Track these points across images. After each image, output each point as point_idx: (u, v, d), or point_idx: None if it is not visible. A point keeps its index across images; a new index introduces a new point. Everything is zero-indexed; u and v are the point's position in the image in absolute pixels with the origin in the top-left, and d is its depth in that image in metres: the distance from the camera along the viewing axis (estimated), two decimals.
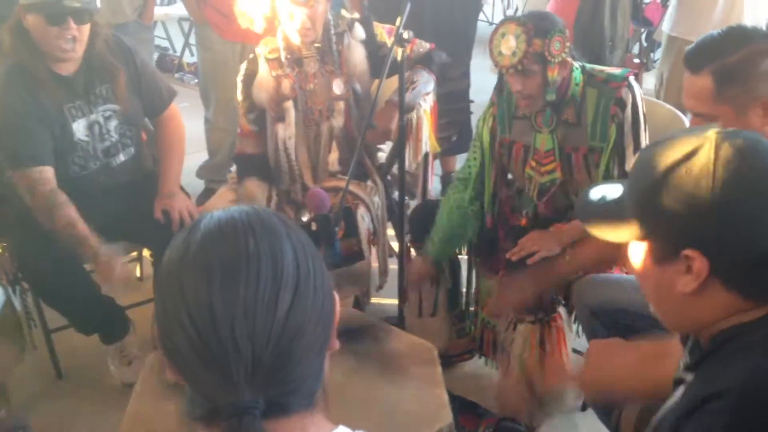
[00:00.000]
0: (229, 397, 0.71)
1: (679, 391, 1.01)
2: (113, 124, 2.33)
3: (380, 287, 2.53)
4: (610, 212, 1.08)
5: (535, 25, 1.87)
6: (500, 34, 1.91)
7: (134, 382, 1.81)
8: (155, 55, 5.21)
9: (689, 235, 0.94)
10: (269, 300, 0.72)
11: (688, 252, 0.94)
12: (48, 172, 2.19)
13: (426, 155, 2.43)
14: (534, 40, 1.87)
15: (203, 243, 0.76)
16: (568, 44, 1.91)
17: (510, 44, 1.88)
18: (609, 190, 1.10)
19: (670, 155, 0.97)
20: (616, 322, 1.79)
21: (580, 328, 2.11)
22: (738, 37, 1.49)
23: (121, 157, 2.38)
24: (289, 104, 2.36)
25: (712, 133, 0.96)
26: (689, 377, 1.00)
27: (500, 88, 2.14)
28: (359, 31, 2.39)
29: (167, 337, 0.75)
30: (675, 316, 1.05)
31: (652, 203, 0.98)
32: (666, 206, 0.95)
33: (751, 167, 0.92)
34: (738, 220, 0.92)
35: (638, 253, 1.04)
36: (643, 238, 1.02)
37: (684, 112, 2.40)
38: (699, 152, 0.94)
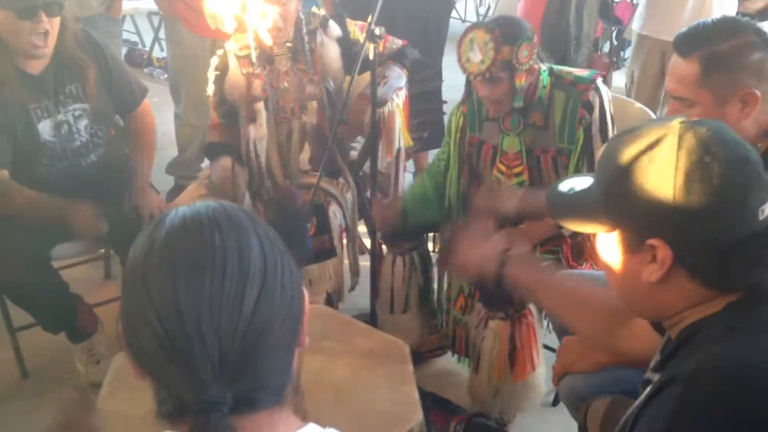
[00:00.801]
0: (196, 393, 0.70)
1: (646, 391, 1.02)
2: (83, 123, 2.29)
3: (352, 288, 2.53)
4: (578, 204, 1.09)
5: (503, 33, 1.87)
6: (468, 41, 1.90)
7: (102, 382, 1.78)
8: (124, 50, 5.15)
9: (653, 225, 0.96)
10: (235, 295, 0.72)
11: (652, 241, 0.96)
12: (1, 175, 2.15)
13: (398, 151, 2.43)
14: (502, 48, 1.86)
15: (168, 239, 0.75)
16: (536, 50, 1.92)
17: (478, 52, 1.88)
18: (578, 183, 1.12)
19: (634, 145, 0.98)
20: None
21: (551, 325, 2.13)
22: (730, 27, 1.52)
23: (92, 158, 2.34)
24: (260, 105, 2.34)
25: (676, 123, 0.97)
26: (655, 377, 1.01)
27: (469, 90, 2.15)
28: (333, 29, 2.37)
29: (133, 334, 0.74)
30: (640, 305, 1.07)
31: (617, 193, 0.99)
32: (630, 196, 0.97)
33: (713, 156, 0.93)
34: (700, 209, 0.93)
35: (605, 243, 1.05)
36: (609, 229, 1.03)
37: (654, 109, 2.43)
38: (662, 142, 0.96)
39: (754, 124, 1.51)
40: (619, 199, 0.99)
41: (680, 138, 0.95)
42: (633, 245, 1.00)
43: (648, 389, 1.00)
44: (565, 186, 1.14)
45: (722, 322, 0.95)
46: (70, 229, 2.19)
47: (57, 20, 2.12)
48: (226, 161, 2.37)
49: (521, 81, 1.92)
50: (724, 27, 1.52)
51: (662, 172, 0.94)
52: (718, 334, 0.94)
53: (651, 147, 0.96)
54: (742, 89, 1.47)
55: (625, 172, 0.98)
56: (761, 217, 0.94)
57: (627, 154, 0.98)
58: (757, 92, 1.47)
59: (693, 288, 0.98)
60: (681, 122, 0.97)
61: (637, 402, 1.02)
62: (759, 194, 0.94)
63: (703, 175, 0.93)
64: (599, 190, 1.04)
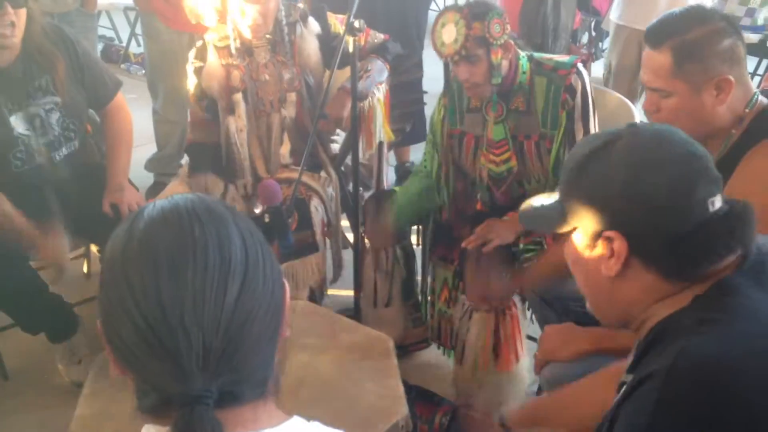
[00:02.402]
0: (181, 386, 0.70)
1: (621, 391, 1.03)
2: (55, 117, 2.25)
3: (335, 280, 2.52)
4: (546, 211, 1.16)
5: (472, 10, 1.90)
6: (440, 25, 1.93)
7: (83, 381, 1.76)
8: (100, 46, 5.09)
9: (608, 218, 1.02)
10: (218, 287, 0.71)
11: (608, 233, 1.01)
12: None
13: (380, 145, 2.43)
14: (473, 24, 1.89)
15: (147, 231, 0.74)
16: (507, 27, 1.93)
17: (450, 32, 1.90)
18: (547, 199, 1.18)
19: (589, 146, 1.05)
20: (568, 308, 1.82)
21: (534, 316, 2.14)
22: (698, 15, 1.53)
23: (64, 151, 2.30)
24: (239, 97, 2.32)
25: (627, 127, 1.06)
26: (629, 378, 1.03)
27: (448, 80, 2.16)
28: (313, 22, 2.36)
29: (113, 329, 0.73)
30: (607, 305, 1.11)
31: (574, 190, 1.06)
32: (585, 192, 1.04)
33: (662, 152, 1.00)
34: (650, 201, 0.99)
35: (570, 246, 1.11)
36: (571, 228, 1.09)
37: (632, 99, 2.44)
38: (615, 142, 1.03)
39: (729, 110, 1.52)
40: (576, 196, 1.06)
41: (630, 138, 1.03)
42: (591, 241, 1.05)
43: (623, 389, 1.02)
44: (537, 201, 1.21)
45: (692, 316, 0.97)
46: (35, 254, 2.17)
47: (23, 12, 2.08)
48: (200, 179, 2.38)
49: (497, 57, 1.94)
50: (693, 16, 1.53)
51: (613, 167, 1.01)
52: (689, 328, 0.96)
53: (604, 146, 1.03)
54: (715, 76, 1.48)
55: (581, 170, 1.05)
56: (711, 209, 0.98)
57: (582, 155, 1.06)
58: (731, 78, 1.48)
59: (652, 280, 1.02)
60: (632, 124, 1.06)
61: (614, 403, 1.03)
62: (707, 187, 0.99)
63: (652, 169, 0.99)
64: (561, 191, 1.11)
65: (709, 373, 0.90)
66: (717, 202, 0.99)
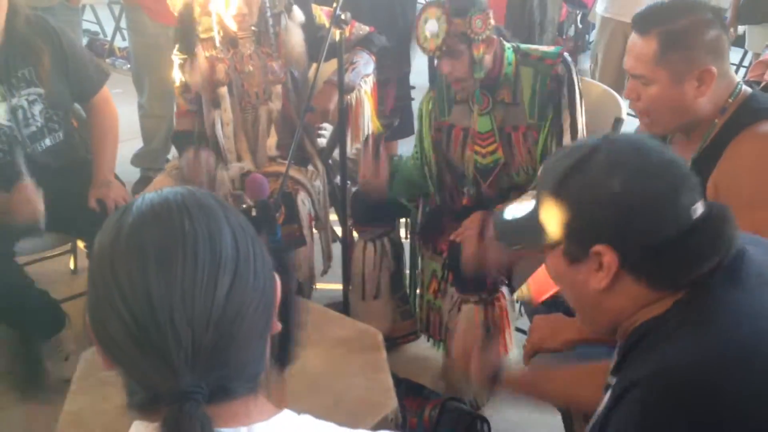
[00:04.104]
0: (170, 383, 0.69)
1: (607, 395, 1.04)
2: (38, 108, 2.23)
3: (325, 272, 2.52)
4: (524, 228, 1.14)
5: (453, 5, 1.90)
6: (423, 20, 1.95)
7: (71, 378, 1.75)
8: (84, 40, 5.04)
9: (595, 232, 1.00)
10: (208, 282, 0.70)
11: (597, 248, 1.00)
12: None
13: (367, 138, 2.42)
14: (454, 20, 1.90)
15: (136, 225, 0.73)
16: (491, 22, 1.93)
17: (432, 28, 1.91)
18: (521, 209, 1.17)
19: (567, 161, 1.04)
20: (556, 300, 1.82)
21: (523, 308, 2.15)
22: (687, 5, 1.54)
23: (47, 142, 2.28)
24: (224, 90, 2.31)
25: (603, 139, 1.05)
26: (614, 381, 1.04)
27: (434, 74, 2.16)
28: (298, 13, 2.35)
29: (101, 325, 0.72)
30: (594, 316, 1.11)
31: (556, 208, 1.04)
32: (569, 208, 1.02)
33: (641, 158, 1.00)
34: (637, 212, 0.98)
35: (554, 260, 1.09)
36: (555, 244, 1.07)
37: (619, 91, 2.45)
38: (593, 155, 1.02)
39: (711, 101, 1.53)
40: (559, 212, 1.04)
41: (609, 148, 1.02)
42: (578, 255, 1.03)
43: (609, 393, 1.03)
44: (509, 213, 1.19)
45: (672, 321, 0.98)
46: (11, 217, 2.10)
47: (3, 2, 2.06)
48: (195, 151, 2.34)
49: (479, 51, 1.94)
50: (681, 5, 1.54)
51: (597, 180, 1.00)
52: (669, 334, 0.97)
53: (582, 161, 1.02)
54: (698, 66, 1.49)
55: (561, 188, 1.03)
56: (695, 216, 0.99)
57: (560, 171, 1.04)
58: (713, 69, 1.49)
59: (640, 290, 1.02)
60: (607, 137, 1.05)
61: (602, 406, 1.04)
62: (689, 194, 0.99)
63: (634, 177, 0.99)
64: (540, 210, 1.09)
65: (690, 379, 0.91)
66: (699, 209, 0.99)
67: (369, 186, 2.20)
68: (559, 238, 1.06)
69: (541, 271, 1.58)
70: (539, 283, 1.60)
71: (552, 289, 1.52)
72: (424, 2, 2.09)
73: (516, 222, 1.17)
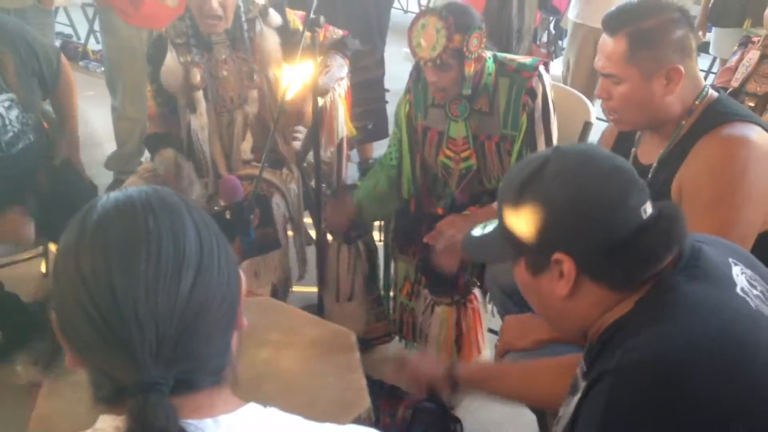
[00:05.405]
0: (134, 375, 0.70)
1: (575, 398, 1.07)
2: (14, 113, 2.21)
3: (301, 277, 2.52)
4: (488, 242, 1.19)
5: (456, 21, 1.89)
6: (420, 26, 1.92)
7: (41, 382, 1.74)
8: (57, 43, 5.00)
9: (552, 241, 1.04)
10: (171, 277, 0.72)
11: (557, 256, 1.03)
12: None
13: (341, 141, 2.43)
14: (454, 36, 1.89)
15: (100, 222, 0.74)
16: (484, 40, 1.94)
17: (429, 38, 1.90)
18: (487, 226, 1.21)
19: (521, 174, 1.08)
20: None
21: (495, 309, 2.17)
22: (654, 5, 1.58)
23: (20, 146, 2.27)
24: (200, 95, 2.31)
25: (552, 151, 1.09)
26: (583, 384, 1.06)
27: (417, 75, 2.17)
28: (273, 18, 2.35)
29: (66, 320, 0.73)
30: (563, 323, 1.15)
31: (514, 221, 1.08)
32: (526, 221, 1.06)
33: (590, 170, 1.04)
34: (589, 217, 1.02)
35: (519, 272, 1.13)
36: (517, 256, 1.11)
37: (589, 96, 2.49)
38: (545, 165, 1.06)
39: (678, 102, 1.57)
40: (517, 227, 1.07)
41: (558, 159, 1.07)
42: (540, 265, 1.07)
43: (579, 394, 1.05)
44: (477, 231, 1.24)
45: (636, 318, 1.01)
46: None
47: None
48: (168, 152, 2.34)
49: (470, 69, 1.95)
50: (649, 5, 1.58)
51: (550, 190, 1.04)
52: (634, 329, 1.00)
53: (534, 174, 1.06)
54: (666, 65, 1.53)
55: (518, 197, 1.07)
56: (645, 216, 1.03)
57: (514, 185, 1.08)
58: (681, 68, 1.52)
59: (602, 293, 1.05)
60: (555, 149, 1.11)
61: (572, 406, 1.06)
62: (637, 195, 1.03)
63: (583, 184, 1.04)
64: (500, 224, 1.13)
65: (654, 370, 0.93)
66: (648, 209, 1.03)
67: (335, 226, 2.27)
68: (520, 250, 1.09)
69: None
70: None
71: None
72: (399, 7, 2.09)
73: (482, 238, 1.20)
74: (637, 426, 0.93)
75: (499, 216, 1.13)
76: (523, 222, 1.06)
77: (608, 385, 0.95)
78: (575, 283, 1.04)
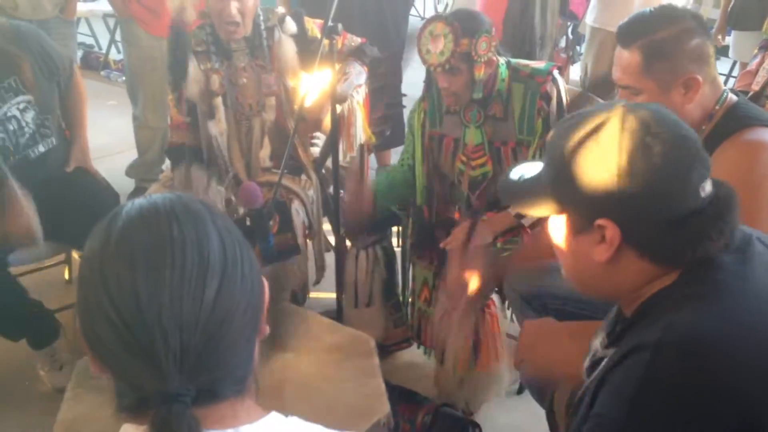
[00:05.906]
0: (158, 385, 0.70)
1: (602, 365, 1.04)
2: (30, 115, 2.25)
3: (317, 281, 2.53)
4: (528, 189, 1.11)
5: (463, 25, 1.91)
6: (428, 32, 1.94)
7: (66, 387, 1.76)
8: (79, 53, 5.07)
9: (600, 205, 0.98)
10: (196, 285, 0.71)
11: (600, 221, 0.98)
12: None
13: (362, 147, 2.44)
14: (461, 40, 1.90)
15: (125, 230, 0.74)
16: (494, 43, 1.95)
17: (437, 43, 1.92)
18: (528, 169, 1.14)
19: (579, 130, 1.00)
20: (546, 306, 1.84)
21: (513, 315, 2.17)
22: (668, 15, 1.56)
23: (41, 148, 2.30)
24: (218, 101, 2.33)
25: (618, 107, 1.00)
26: (609, 353, 1.03)
27: (429, 82, 2.18)
28: (290, 26, 2.38)
29: (90, 328, 0.73)
30: (594, 285, 1.09)
31: (564, 176, 1.01)
32: (577, 178, 0.99)
33: (654, 136, 0.96)
34: (644, 188, 0.96)
35: (556, 226, 1.08)
36: (559, 212, 1.05)
37: (608, 100, 2.47)
38: (606, 125, 0.98)
39: (698, 108, 1.56)
40: (566, 182, 1.01)
41: (622, 120, 0.97)
42: (582, 226, 1.02)
43: (604, 363, 1.02)
44: (515, 173, 1.16)
45: (678, 292, 0.97)
46: (6, 238, 2.11)
47: None
48: (187, 170, 2.37)
49: (480, 73, 1.96)
50: (663, 15, 1.56)
51: (607, 154, 0.97)
52: (676, 304, 0.96)
53: (595, 131, 0.99)
54: (683, 75, 1.52)
55: (572, 156, 1.00)
56: (703, 195, 0.97)
57: (573, 138, 1.00)
58: (699, 77, 1.52)
59: (643, 266, 1.00)
60: (623, 106, 1.00)
61: (594, 376, 1.03)
62: (699, 171, 0.97)
63: (646, 154, 0.95)
64: (548, 175, 1.06)
65: (697, 349, 0.90)
66: (707, 187, 0.98)
67: (354, 208, 2.21)
68: (563, 207, 1.04)
69: None
70: None
71: None
72: (416, 14, 2.10)
73: (521, 183, 1.13)
74: (670, 406, 0.90)
75: (547, 166, 1.07)
76: (572, 180, 0.99)
77: (647, 359, 0.91)
78: (616, 251, 0.99)
